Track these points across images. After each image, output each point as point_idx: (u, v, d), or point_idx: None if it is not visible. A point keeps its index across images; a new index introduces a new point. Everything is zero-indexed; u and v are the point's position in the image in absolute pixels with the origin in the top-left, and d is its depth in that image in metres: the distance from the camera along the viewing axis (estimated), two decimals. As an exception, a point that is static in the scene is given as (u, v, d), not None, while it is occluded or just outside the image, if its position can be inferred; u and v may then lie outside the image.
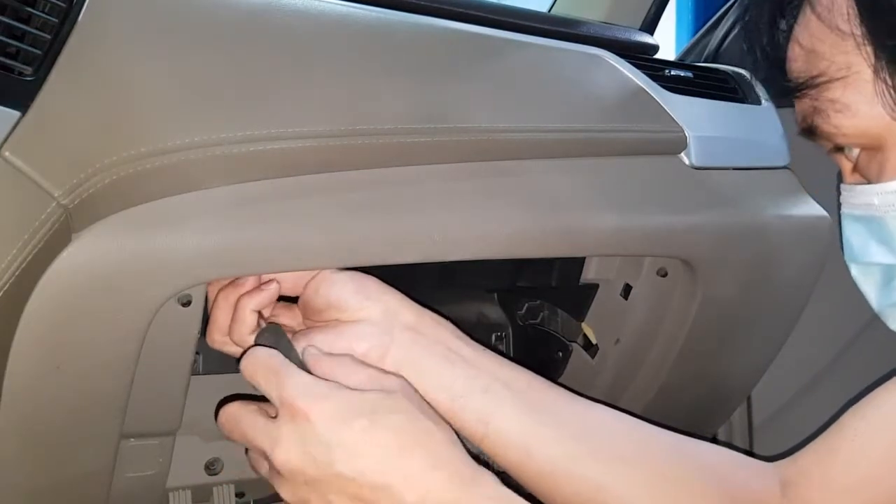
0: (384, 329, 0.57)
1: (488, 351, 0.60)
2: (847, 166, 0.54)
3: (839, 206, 0.56)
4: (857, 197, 0.53)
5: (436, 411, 0.55)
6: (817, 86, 0.49)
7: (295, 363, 0.55)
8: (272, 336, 0.57)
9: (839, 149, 0.53)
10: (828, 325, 0.96)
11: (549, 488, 0.57)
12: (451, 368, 0.57)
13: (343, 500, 0.49)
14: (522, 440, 0.57)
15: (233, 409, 0.53)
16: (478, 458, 0.53)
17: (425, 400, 0.55)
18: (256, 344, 0.57)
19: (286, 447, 0.50)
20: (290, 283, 0.59)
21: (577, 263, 0.77)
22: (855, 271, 0.55)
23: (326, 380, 0.52)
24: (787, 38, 0.52)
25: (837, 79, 0.48)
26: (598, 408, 0.60)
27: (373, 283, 0.59)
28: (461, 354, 0.58)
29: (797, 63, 0.51)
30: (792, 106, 0.54)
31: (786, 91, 0.52)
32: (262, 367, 0.53)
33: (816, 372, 1.01)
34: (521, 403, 0.57)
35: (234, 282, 0.58)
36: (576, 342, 0.82)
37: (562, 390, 0.60)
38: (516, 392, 0.57)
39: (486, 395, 0.57)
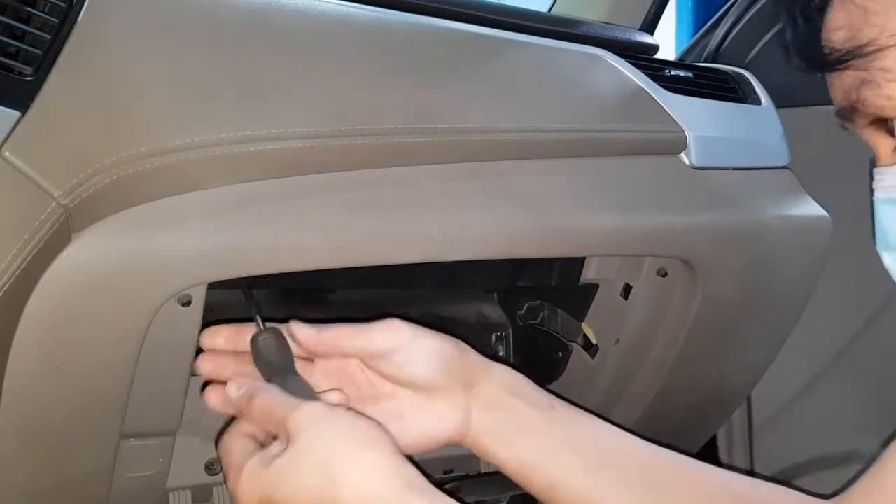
0: (462, 407, 0.59)
1: (557, 407, 0.60)
2: (888, 145, 0.51)
3: (871, 191, 0.53)
4: None
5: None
6: (866, 55, 0.46)
7: (291, 376, 0.56)
8: (273, 340, 0.57)
9: (880, 127, 0.50)
10: (828, 325, 0.96)
11: None
12: (520, 440, 0.59)
13: None
14: (586, 499, 0.58)
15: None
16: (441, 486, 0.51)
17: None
18: (254, 351, 0.57)
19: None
20: (359, 346, 0.58)
21: (577, 263, 0.77)
22: (888, 260, 0.53)
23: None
24: (826, 5, 0.48)
25: (891, 46, 0.45)
26: (661, 453, 0.61)
27: (446, 354, 0.59)
28: (530, 424, 0.59)
29: (840, 32, 0.48)
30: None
31: (825, 64, 0.49)
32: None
33: (816, 372, 1.01)
34: (584, 465, 0.59)
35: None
36: (576, 342, 0.82)
37: (624, 438, 0.61)
38: (581, 454, 0.59)
39: (551, 461, 0.59)
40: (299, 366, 0.58)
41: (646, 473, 0.59)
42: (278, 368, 0.57)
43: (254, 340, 0.58)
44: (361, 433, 0.51)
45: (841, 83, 0.49)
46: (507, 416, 0.59)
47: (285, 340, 0.58)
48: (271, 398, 0.53)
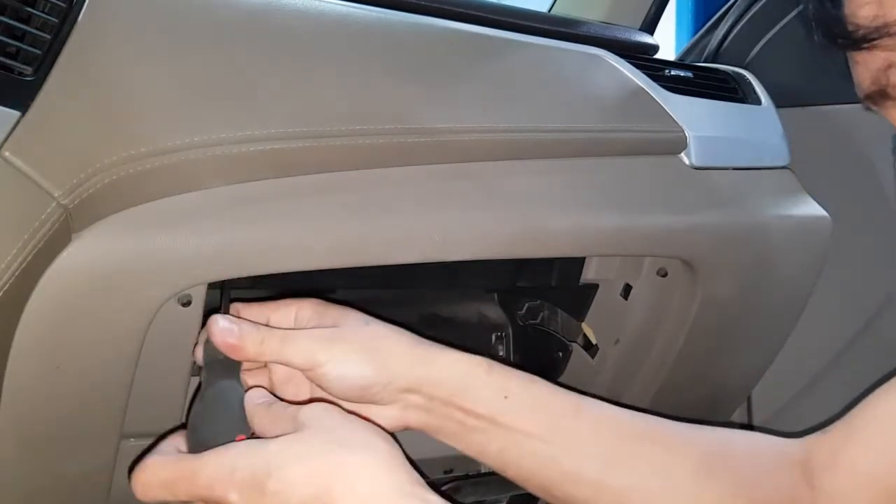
0: (397, 415, 0.56)
1: (511, 396, 0.57)
2: None
3: None
4: None
5: None
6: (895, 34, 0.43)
7: (233, 394, 0.54)
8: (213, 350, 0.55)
9: None
10: (828, 325, 0.96)
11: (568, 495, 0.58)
12: (464, 438, 0.57)
13: None
14: (541, 482, 0.58)
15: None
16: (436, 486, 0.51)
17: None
18: (204, 355, 0.55)
19: None
20: (272, 359, 0.55)
21: (577, 263, 0.77)
22: None
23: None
24: None
25: None
26: (627, 422, 0.59)
27: (378, 364, 0.55)
28: (475, 422, 0.57)
29: (867, 8, 0.44)
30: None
31: (850, 43, 0.46)
32: (159, 484, 0.49)
33: (816, 372, 1.01)
34: (540, 453, 0.57)
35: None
36: (576, 342, 0.82)
37: (589, 415, 0.59)
38: (536, 442, 0.57)
39: (503, 453, 0.57)
40: None
41: (612, 453, 0.57)
42: (221, 371, 0.55)
43: (206, 346, 0.56)
44: (364, 430, 0.50)
45: (867, 64, 0.47)
46: (443, 421, 0.57)
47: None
48: (282, 403, 0.53)
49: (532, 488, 0.59)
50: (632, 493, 0.57)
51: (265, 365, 0.58)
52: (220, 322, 0.54)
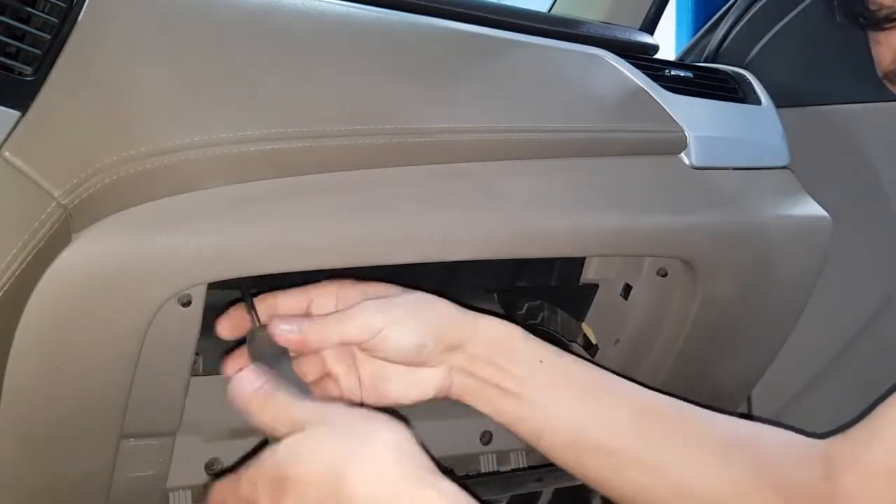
0: (443, 374, 0.59)
1: (546, 361, 0.60)
2: None
3: None
4: None
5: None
6: None
7: (286, 367, 0.56)
8: (267, 337, 0.57)
9: None
10: (828, 325, 0.96)
11: (605, 479, 0.59)
12: (503, 401, 0.59)
13: None
14: (574, 451, 0.59)
15: None
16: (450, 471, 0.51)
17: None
18: (252, 346, 0.57)
19: None
20: (335, 340, 0.58)
21: (577, 263, 0.77)
22: None
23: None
24: None
25: None
26: (655, 398, 0.61)
27: (430, 331, 0.58)
28: (513, 384, 0.59)
29: None
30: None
31: (872, 22, 0.47)
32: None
33: (816, 372, 1.01)
34: (572, 419, 0.59)
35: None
36: (576, 342, 0.82)
37: (619, 386, 0.61)
38: (569, 408, 0.59)
39: (537, 418, 0.59)
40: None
41: (642, 423, 0.59)
42: (274, 365, 0.57)
43: (250, 336, 0.58)
44: (380, 421, 0.51)
45: (889, 42, 0.47)
46: (486, 378, 0.59)
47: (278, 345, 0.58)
48: (285, 398, 0.53)
49: (560, 460, 0.60)
50: (659, 467, 0.58)
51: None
52: (281, 325, 0.57)
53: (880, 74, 0.50)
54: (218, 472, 0.69)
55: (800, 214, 0.80)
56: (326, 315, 0.58)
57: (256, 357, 0.57)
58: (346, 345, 0.59)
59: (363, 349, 0.59)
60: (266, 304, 0.59)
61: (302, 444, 0.49)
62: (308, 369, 0.60)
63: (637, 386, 0.61)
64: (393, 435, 0.49)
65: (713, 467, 0.58)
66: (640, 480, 0.58)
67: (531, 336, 0.61)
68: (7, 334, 0.51)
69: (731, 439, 0.59)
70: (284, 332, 0.57)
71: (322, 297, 0.60)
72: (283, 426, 0.51)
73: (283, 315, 0.58)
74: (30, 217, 0.48)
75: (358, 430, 0.49)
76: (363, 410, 0.52)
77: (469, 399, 0.60)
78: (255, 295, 0.60)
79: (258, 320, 0.58)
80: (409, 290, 0.60)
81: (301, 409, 0.51)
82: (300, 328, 0.57)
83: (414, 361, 0.58)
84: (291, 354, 0.58)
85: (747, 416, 1.01)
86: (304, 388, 0.57)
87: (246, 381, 0.53)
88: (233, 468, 0.54)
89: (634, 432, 0.59)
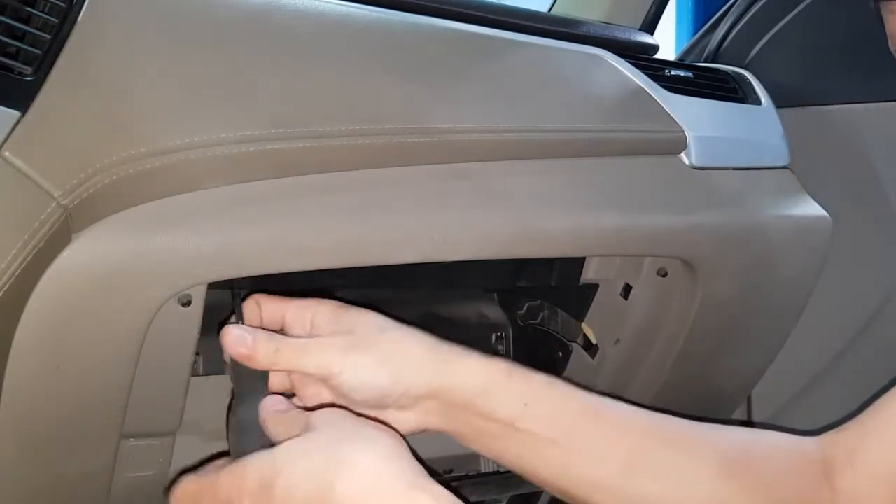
0: (416, 421, 0.57)
1: (531, 404, 0.57)
2: None
3: None
4: None
5: None
6: None
7: (257, 382, 0.55)
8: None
9: None
10: (828, 325, 0.96)
11: None
12: (485, 442, 0.58)
13: None
14: (562, 487, 0.58)
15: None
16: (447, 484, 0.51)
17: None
18: (232, 365, 0.56)
19: None
20: (289, 367, 0.56)
21: (577, 263, 0.77)
22: None
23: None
24: None
25: None
26: (647, 422, 0.59)
27: (395, 372, 0.55)
28: (496, 428, 0.57)
29: None
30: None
31: None
32: (188, 498, 0.51)
33: (816, 372, 1.01)
34: (559, 461, 0.57)
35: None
36: (576, 342, 0.82)
37: (609, 418, 0.58)
38: (556, 449, 0.57)
39: (522, 460, 0.58)
40: None
41: (632, 455, 0.57)
42: (250, 378, 0.56)
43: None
44: (370, 428, 0.51)
45: None
46: (462, 427, 0.57)
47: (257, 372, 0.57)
48: (298, 411, 0.53)
49: (553, 492, 0.59)
50: (651, 500, 0.57)
51: None
52: (232, 332, 0.55)
53: (893, 49, 0.49)
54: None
55: (800, 214, 0.80)
56: (293, 338, 0.56)
57: (232, 370, 0.57)
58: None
59: (335, 390, 0.56)
60: (254, 309, 0.59)
61: (291, 452, 0.49)
62: (276, 379, 0.58)
63: (629, 410, 0.59)
64: (382, 441, 0.49)
65: (709, 494, 0.57)
66: None
67: (517, 372, 0.58)
68: (7, 334, 0.51)
69: (728, 460, 0.58)
70: (232, 343, 0.55)
71: (296, 316, 0.57)
72: (289, 434, 0.51)
73: (242, 326, 0.56)
74: (30, 217, 0.48)
75: (347, 437, 0.49)
76: (353, 417, 0.52)
77: (450, 435, 0.58)
78: (246, 298, 0.60)
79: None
80: (388, 326, 0.57)
81: (303, 418, 0.51)
82: (254, 342, 0.55)
83: (378, 406, 0.56)
84: None
85: (747, 416, 1.02)
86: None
87: (274, 401, 0.54)
88: (194, 467, 0.54)
89: (624, 467, 0.57)
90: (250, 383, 0.56)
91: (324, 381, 0.55)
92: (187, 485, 0.52)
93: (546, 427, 0.57)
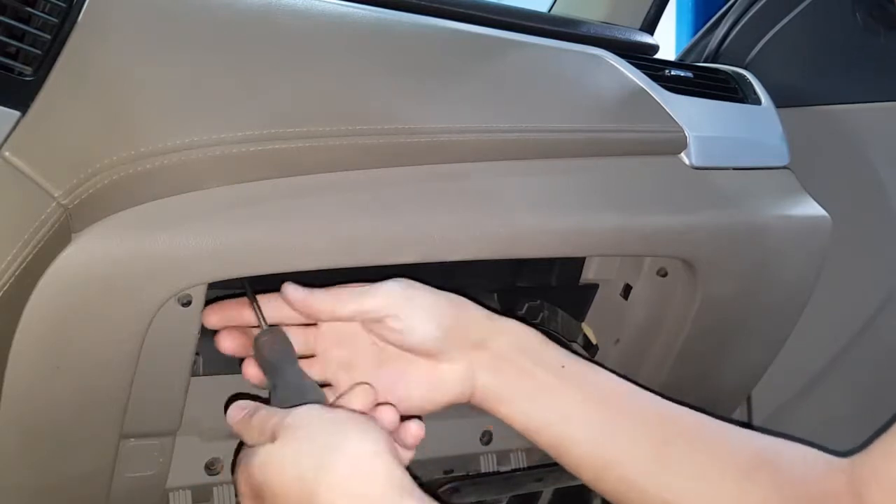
0: (465, 369, 0.59)
1: (568, 366, 0.59)
2: None
3: None
4: None
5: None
6: None
7: (292, 370, 0.56)
8: (273, 339, 0.57)
9: None
10: (828, 325, 0.96)
11: (625, 501, 0.58)
12: (528, 401, 0.59)
13: None
14: (595, 463, 0.58)
15: None
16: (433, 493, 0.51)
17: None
18: (257, 349, 0.57)
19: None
20: (357, 310, 0.57)
21: (577, 263, 0.77)
22: None
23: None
24: None
25: None
26: (677, 412, 0.60)
27: (448, 312, 0.58)
28: (538, 384, 0.59)
29: None
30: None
31: None
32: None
33: (816, 372, 1.01)
34: (595, 428, 0.58)
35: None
36: (576, 342, 0.82)
37: (642, 398, 0.60)
38: (592, 416, 0.58)
39: (561, 424, 0.58)
40: (303, 330, 0.60)
41: (663, 437, 0.58)
42: (279, 368, 0.57)
43: (257, 340, 0.58)
44: (357, 427, 0.50)
45: None
46: (512, 378, 0.59)
47: (287, 338, 0.58)
48: (267, 411, 0.53)
49: (584, 476, 0.59)
50: (674, 495, 0.57)
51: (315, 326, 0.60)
52: (290, 286, 0.57)
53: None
54: (218, 471, 0.69)
55: (800, 214, 0.80)
56: (339, 289, 0.58)
57: (262, 358, 0.57)
58: (361, 321, 0.58)
59: (378, 333, 0.58)
60: (270, 306, 0.59)
61: (273, 455, 0.50)
62: (315, 370, 0.60)
63: (657, 398, 0.61)
64: (365, 445, 0.49)
65: (734, 492, 0.57)
66: None
67: (550, 341, 0.61)
68: (7, 334, 0.51)
69: (754, 459, 0.58)
70: (291, 292, 0.57)
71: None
72: (262, 437, 0.52)
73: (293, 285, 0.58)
74: (30, 217, 0.48)
75: (329, 440, 0.49)
76: (340, 416, 0.52)
77: (491, 402, 0.59)
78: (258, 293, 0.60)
79: (265, 322, 0.58)
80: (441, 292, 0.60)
81: (276, 419, 0.51)
82: (313, 292, 0.57)
83: (430, 351, 0.57)
84: (297, 355, 0.58)
85: (747, 416, 1.02)
86: (312, 388, 0.57)
87: (235, 409, 0.54)
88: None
89: (654, 459, 0.57)
90: (280, 351, 0.57)
91: (384, 320, 0.57)
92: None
93: (583, 394, 0.59)
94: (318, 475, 0.47)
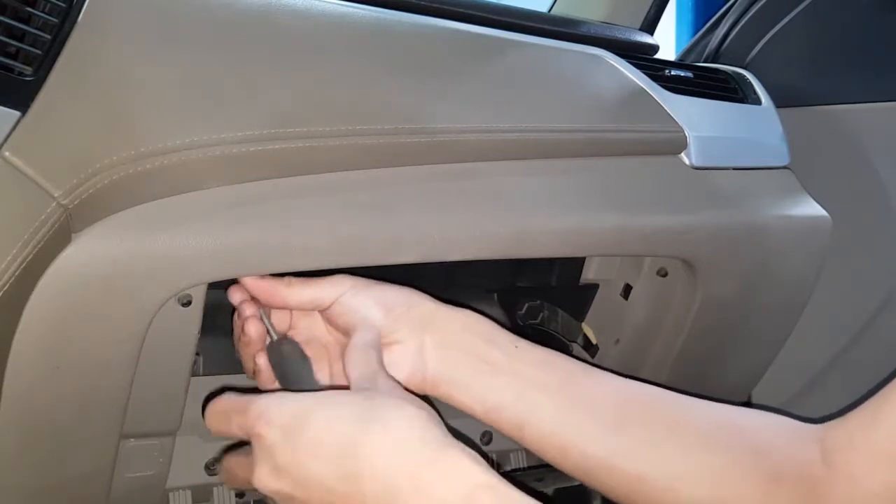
0: (416, 351, 0.59)
1: (521, 347, 0.60)
2: None
3: None
4: None
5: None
6: None
7: (306, 376, 0.56)
8: (284, 348, 0.58)
9: None
10: (828, 324, 0.96)
11: (590, 481, 0.58)
12: (483, 380, 0.58)
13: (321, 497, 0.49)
14: (557, 441, 0.58)
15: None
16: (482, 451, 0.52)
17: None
18: (270, 358, 0.58)
19: (259, 474, 0.50)
20: (307, 297, 0.59)
21: (577, 263, 0.77)
22: None
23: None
24: None
25: None
26: (636, 387, 0.60)
27: (396, 298, 0.60)
28: (492, 362, 0.59)
29: None
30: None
31: None
32: (219, 412, 0.53)
33: (816, 372, 1.01)
34: (554, 405, 0.58)
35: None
36: (576, 342, 0.82)
37: (598, 376, 0.60)
38: (550, 393, 0.58)
39: (519, 403, 0.58)
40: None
41: (621, 411, 0.58)
42: (294, 373, 0.57)
43: (269, 348, 0.58)
44: (398, 392, 0.52)
45: None
46: (464, 358, 0.59)
47: (299, 346, 0.59)
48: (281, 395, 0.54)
49: (547, 455, 0.59)
50: (640, 474, 0.57)
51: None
52: (247, 278, 0.59)
53: None
54: (218, 471, 0.69)
55: (800, 214, 0.80)
56: (291, 278, 0.60)
57: (277, 366, 0.57)
58: (318, 324, 0.61)
59: (332, 322, 0.60)
60: (280, 313, 0.61)
61: (329, 400, 0.50)
62: (326, 374, 0.60)
63: (613, 375, 0.60)
64: (414, 405, 0.49)
65: (695, 459, 0.56)
66: (624, 486, 0.57)
67: (501, 328, 0.61)
68: (7, 334, 0.51)
69: (714, 426, 0.58)
70: (250, 281, 0.58)
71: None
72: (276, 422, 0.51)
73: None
74: (30, 217, 0.48)
75: (380, 400, 0.50)
76: (386, 380, 0.53)
77: (445, 386, 0.59)
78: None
79: (274, 332, 0.59)
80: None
81: (297, 397, 0.51)
82: (269, 280, 0.59)
83: (381, 332, 0.58)
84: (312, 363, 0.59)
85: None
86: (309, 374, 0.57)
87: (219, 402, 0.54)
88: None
89: (613, 432, 0.57)
90: (297, 362, 0.58)
91: (333, 305, 0.59)
92: (223, 401, 0.53)
93: (538, 371, 0.59)
94: (368, 426, 0.48)
